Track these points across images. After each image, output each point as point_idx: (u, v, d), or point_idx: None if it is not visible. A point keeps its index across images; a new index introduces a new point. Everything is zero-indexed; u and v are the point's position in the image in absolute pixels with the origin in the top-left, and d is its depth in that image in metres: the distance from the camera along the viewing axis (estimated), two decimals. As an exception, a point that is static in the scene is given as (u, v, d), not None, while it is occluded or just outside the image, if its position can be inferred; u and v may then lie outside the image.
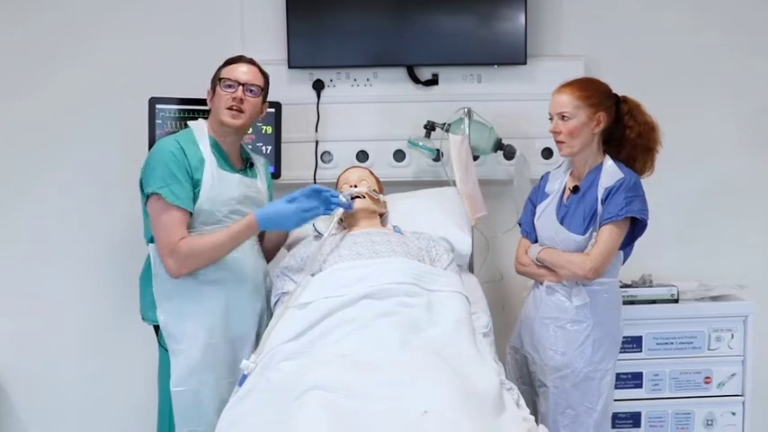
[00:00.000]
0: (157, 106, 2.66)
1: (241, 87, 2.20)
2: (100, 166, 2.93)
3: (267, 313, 2.30)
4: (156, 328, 2.21)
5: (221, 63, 2.29)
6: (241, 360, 2.00)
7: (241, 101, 2.19)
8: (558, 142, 2.28)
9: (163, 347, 2.18)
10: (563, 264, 2.26)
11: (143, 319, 2.25)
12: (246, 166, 2.32)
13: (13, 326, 2.97)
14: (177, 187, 2.08)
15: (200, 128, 2.24)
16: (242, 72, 2.22)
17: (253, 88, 2.23)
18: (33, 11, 2.92)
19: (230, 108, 2.19)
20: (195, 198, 2.13)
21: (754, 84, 3.03)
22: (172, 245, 2.08)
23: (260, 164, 2.40)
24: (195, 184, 2.13)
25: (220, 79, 2.21)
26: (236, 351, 2.20)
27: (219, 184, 2.17)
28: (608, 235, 2.20)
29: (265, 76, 2.30)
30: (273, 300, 2.29)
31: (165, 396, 2.17)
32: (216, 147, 2.22)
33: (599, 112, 2.23)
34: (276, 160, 2.81)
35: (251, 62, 2.28)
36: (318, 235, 2.39)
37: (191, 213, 2.12)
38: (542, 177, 2.47)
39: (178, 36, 2.90)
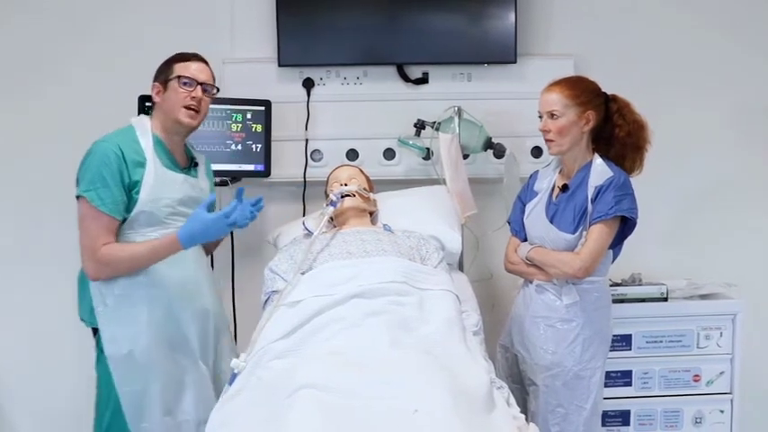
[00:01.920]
0: (147, 104, 2.64)
1: (199, 87, 2.15)
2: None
3: (216, 313, 2.26)
4: (95, 330, 2.14)
5: (169, 58, 2.19)
6: (182, 361, 2.00)
7: (200, 101, 2.15)
8: (547, 141, 2.28)
9: (100, 349, 2.12)
10: (553, 263, 2.26)
11: (81, 320, 2.17)
12: (191, 165, 2.26)
13: (12, 326, 2.96)
14: (105, 192, 2.03)
15: (142, 125, 2.16)
16: (197, 70, 2.15)
17: (208, 88, 2.18)
18: (23, 10, 2.90)
19: (188, 107, 2.14)
20: (132, 201, 2.07)
21: (745, 82, 3.05)
22: (93, 250, 2.04)
23: (202, 162, 2.32)
24: (132, 186, 2.07)
25: (179, 77, 2.13)
26: (175, 352, 2.15)
27: (162, 185, 2.10)
28: (598, 234, 2.20)
29: (213, 74, 2.24)
30: (263, 298, 2.28)
31: (104, 398, 2.12)
32: (160, 145, 2.15)
33: (588, 111, 2.24)
34: (266, 158, 2.81)
35: (203, 60, 2.20)
36: (308, 233, 2.39)
37: (120, 219, 2.06)
38: (531, 176, 2.47)
39: (168, 34, 2.87)
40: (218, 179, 2.76)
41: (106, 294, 2.09)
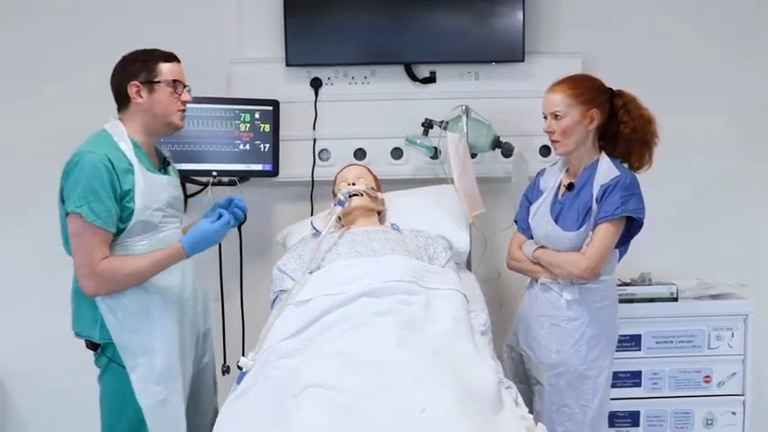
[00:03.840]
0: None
1: (185, 89, 2.11)
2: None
3: (204, 316, 2.28)
4: (93, 344, 2.08)
5: (150, 55, 2.09)
6: (188, 368, 2.03)
7: (185, 103, 2.12)
8: (552, 141, 2.27)
9: (118, 364, 2.05)
10: (559, 263, 2.25)
11: (77, 335, 2.10)
12: (164, 164, 2.20)
13: (15, 325, 2.97)
14: (98, 206, 1.94)
15: (117, 130, 2.06)
16: (181, 72, 2.10)
17: (190, 89, 2.14)
18: (34, 9, 2.92)
19: (182, 110, 2.10)
20: (126, 210, 2.00)
21: (754, 80, 3.03)
22: (91, 266, 1.96)
23: (170, 159, 2.28)
24: (124, 195, 1.99)
25: (175, 81, 2.07)
26: (186, 358, 2.15)
27: (151, 190, 2.04)
28: (604, 234, 2.19)
29: None
30: (271, 297, 2.28)
31: (116, 411, 2.09)
32: (139, 149, 2.07)
33: (592, 110, 2.22)
34: (274, 158, 2.81)
35: (179, 60, 2.13)
36: (317, 233, 2.39)
37: (114, 232, 1.99)
38: (538, 174, 2.46)
39: (176, 34, 2.87)
40: (226, 179, 2.78)
41: (116, 308, 2.02)
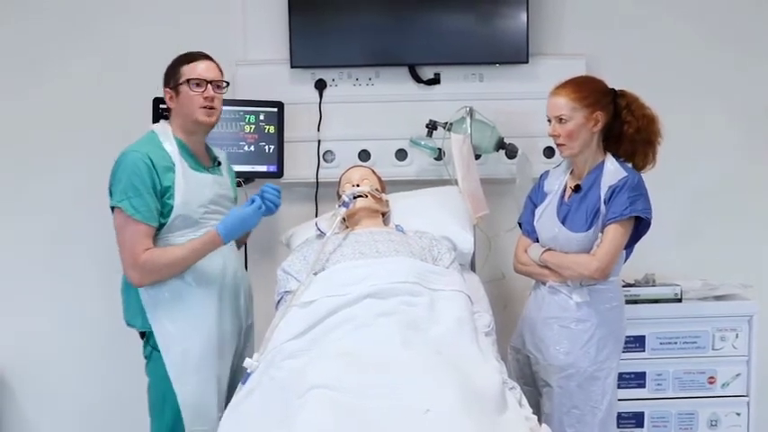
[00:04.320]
0: (161, 106, 2.66)
1: (209, 85, 2.19)
2: (103, 166, 2.91)
3: (246, 310, 2.35)
4: (142, 333, 2.22)
5: (175, 61, 2.23)
6: (227, 361, 2.08)
7: (212, 99, 2.19)
8: (558, 145, 2.27)
9: (156, 350, 2.17)
10: (568, 265, 2.25)
11: (128, 324, 2.23)
12: (214, 164, 2.31)
13: (19, 324, 2.98)
14: (138, 201, 2.08)
15: (164, 131, 2.22)
16: (205, 70, 2.19)
17: (220, 84, 2.23)
18: (36, 9, 2.93)
19: (204, 107, 2.18)
20: (166, 206, 2.13)
21: (756, 81, 3.03)
22: (134, 258, 2.10)
23: (223, 159, 2.37)
24: (164, 192, 2.12)
25: (189, 80, 2.17)
26: (225, 349, 2.22)
27: (192, 187, 2.16)
28: (613, 234, 2.19)
29: (220, 68, 2.27)
30: (276, 298, 2.29)
31: (161, 399, 2.17)
32: (184, 148, 2.21)
33: (596, 112, 2.22)
34: (279, 160, 2.82)
35: (208, 57, 2.24)
36: (321, 234, 2.39)
37: (155, 226, 2.12)
38: (541, 176, 2.45)
39: (180, 36, 2.89)
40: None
41: (155, 296, 2.14)
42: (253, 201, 2.14)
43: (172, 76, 2.20)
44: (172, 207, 2.13)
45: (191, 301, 2.16)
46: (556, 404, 2.27)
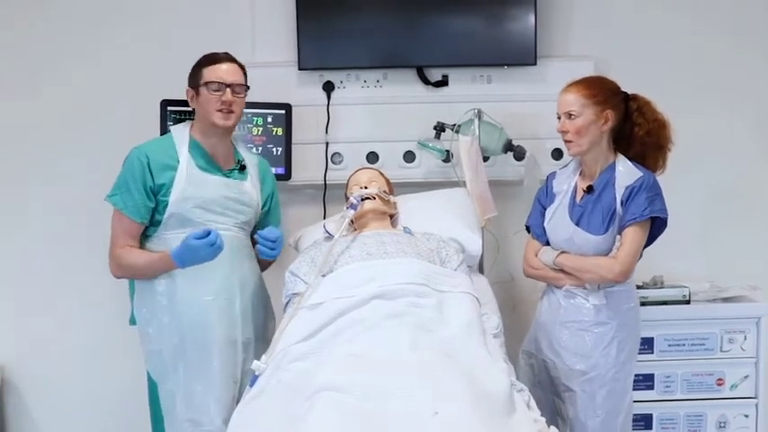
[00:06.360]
0: (169, 108, 2.67)
1: (228, 89, 2.18)
2: (109, 167, 2.92)
3: (264, 319, 2.34)
4: None
5: (198, 61, 2.23)
6: (213, 363, 2.12)
7: (230, 103, 2.18)
8: (566, 141, 2.26)
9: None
10: (589, 268, 2.22)
11: (133, 323, 2.28)
12: (237, 167, 2.29)
13: (23, 323, 3.00)
14: (127, 196, 2.15)
15: (180, 131, 2.25)
16: (225, 72, 2.18)
17: (238, 89, 2.21)
18: (44, 11, 2.94)
19: (220, 110, 2.18)
20: (161, 204, 2.16)
21: (767, 83, 3.02)
22: (112, 249, 2.19)
23: (252, 164, 2.34)
24: (158, 190, 2.16)
25: (207, 83, 2.17)
26: (210, 355, 2.19)
27: (192, 186, 2.16)
28: (633, 236, 2.17)
29: (244, 70, 2.26)
30: (284, 300, 2.29)
31: (154, 392, 2.24)
32: (197, 148, 2.21)
33: (606, 110, 2.21)
34: (287, 162, 2.82)
35: (230, 59, 2.23)
36: (329, 236, 2.40)
37: (141, 223, 2.17)
38: (548, 177, 2.44)
39: (189, 38, 2.90)
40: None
41: (145, 297, 2.21)
42: (208, 233, 2.04)
43: (194, 76, 2.22)
44: (167, 204, 2.16)
45: (173, 300, 2.16)
46: (580, 408, 2.25)
